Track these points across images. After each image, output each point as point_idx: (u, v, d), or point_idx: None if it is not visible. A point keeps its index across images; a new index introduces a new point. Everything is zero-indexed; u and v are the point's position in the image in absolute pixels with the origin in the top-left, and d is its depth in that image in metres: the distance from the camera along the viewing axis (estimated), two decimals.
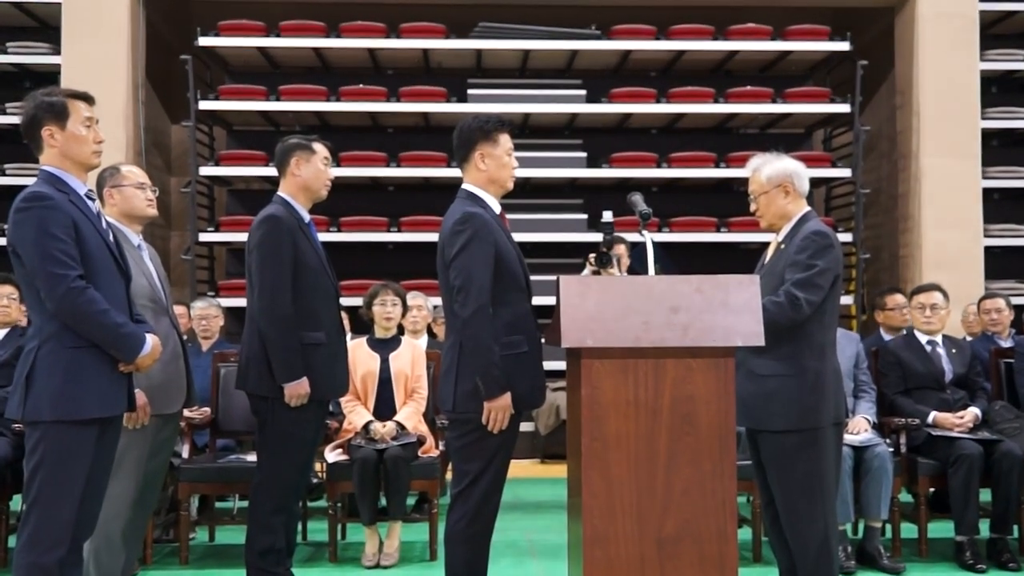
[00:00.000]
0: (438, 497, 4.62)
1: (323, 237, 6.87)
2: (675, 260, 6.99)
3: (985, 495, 4.49)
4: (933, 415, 4.60)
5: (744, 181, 3.50)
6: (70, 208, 2.79)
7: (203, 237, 7.37)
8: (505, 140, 3.19)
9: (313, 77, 7.86)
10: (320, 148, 3.63)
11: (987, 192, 7.53)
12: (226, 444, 4.99)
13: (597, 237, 6.96)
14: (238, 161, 7.45)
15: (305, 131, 7.56)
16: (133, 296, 3.02)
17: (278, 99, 7.45)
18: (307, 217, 3.61)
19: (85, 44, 7.08)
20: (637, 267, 4.90)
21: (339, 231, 7.29)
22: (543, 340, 3.13)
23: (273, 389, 3.45)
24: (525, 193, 7.56)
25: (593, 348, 2.75)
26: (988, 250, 7.46)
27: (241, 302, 3.71)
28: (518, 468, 5.10)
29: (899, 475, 4.49)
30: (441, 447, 4.68)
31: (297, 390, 3.43)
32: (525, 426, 6.40)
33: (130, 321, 2.90)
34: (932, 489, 4.62)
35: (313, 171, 3.60)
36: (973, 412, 4.61)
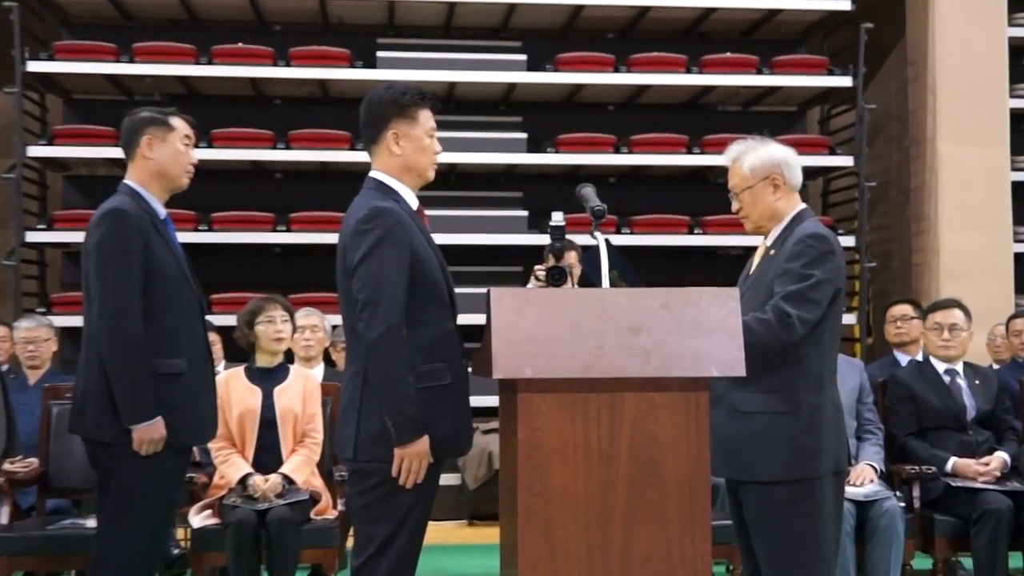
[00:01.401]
0: (336, 570, 4.58)
1: (190, 237, 6.94)
2: (636, 268, 7.03)
3: (1015, 560, 4.59)
4: (952, 461, 4.71)
5: (723, 170, 3.55)
6: None
7: (31, 237, 7.22)
8: (425, 117, 3.20)
9: (177, 33, 7.76)
10: (180, 124, 3.63)
11: (1017, 186, 7.75)
12: (59, 505, 4.92)
13: (540, 239, 6.99)
14: (78, 139, 7.31)
15: (167, 101, 7.46)
16: None
17: (131, 60, 7.34)
18: (163, 212, 3.60)
19: None
20: (591, 277, 4.94)
21: (210, 230, 7.21)
22: (470, 369, 3.14)
23: (117, 433, 3.41)
24: (450, 183, 7.55)
25: (533, 379, 2.75)
26: (1019, 257, 7.66)
27: (80, 321, 3.65)
28: (439, 531, 5.08)
29: (912, 536, 4.58)
30: (340, 506, 4.65)
31: (149, 433, 3.40)
32: (447, 478, 6.38)
33: None
34: (952, 553, 4.71)
35: (170, 153, 3.59)
36: (1000, 458, 4.72)
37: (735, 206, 3.45)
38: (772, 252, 3.36)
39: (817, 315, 3.21)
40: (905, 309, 5.68)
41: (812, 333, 3.21)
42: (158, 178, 3.58)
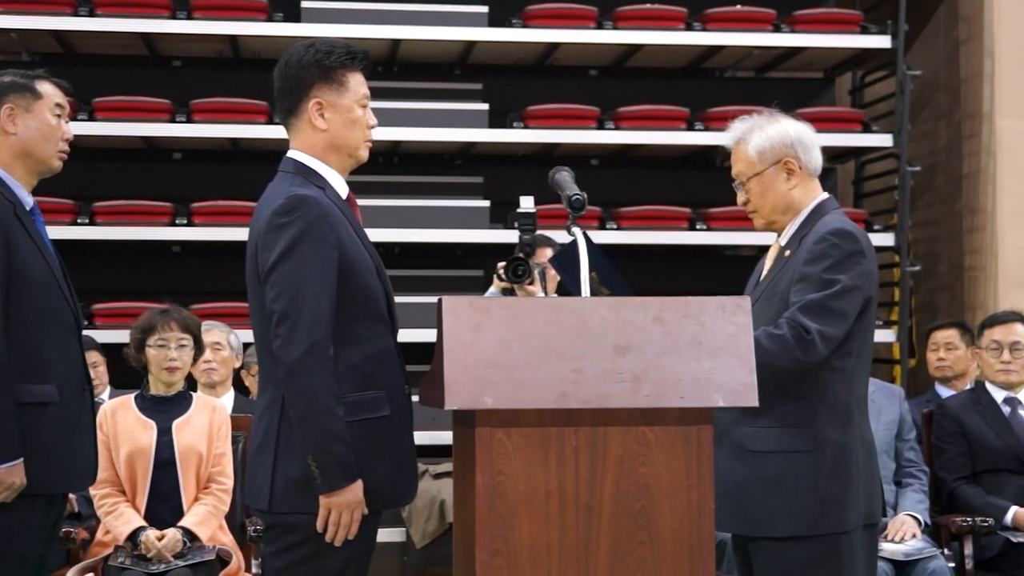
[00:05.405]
0: None
1: (65, 233, 6.87)
2: (624, 272, 7.04)
3: None
4: (1013, 512, 4.75)
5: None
6: None
7: None
8: (356, 82, 3.21)
9: None
10: (50, 90, 3.63)
11: None
12: None
13: (505, 236, 7.01)
14: None
15: (36, 63, 7.40)
16: None
17: None
18: (30, 200, 3.60)
19: None
20: (568, 284, 4.98)
21: (91, 223, 7.14)
22: (415, 398, 3.14)
23: None
24: (392, 166, 7.54)
25: (495, 411, 2.76)
26: None
27: None
28: None
29: None
30: (255, 568, 4.65)
31: (7, 477, 3.37)
32: (388, 534, 6.36)
33: None
34: None
35: (37, 126, 3.59)
36: None
37: (741, 198, 3.48)
38: (787, 253, 3.39)
39: (843, 330, 3.24)
40: (950, 336, 5.70)
41: (837, 353, 3.24)
42: (23, 158, 3.58)
